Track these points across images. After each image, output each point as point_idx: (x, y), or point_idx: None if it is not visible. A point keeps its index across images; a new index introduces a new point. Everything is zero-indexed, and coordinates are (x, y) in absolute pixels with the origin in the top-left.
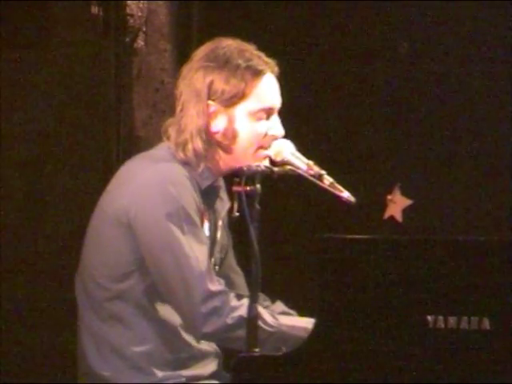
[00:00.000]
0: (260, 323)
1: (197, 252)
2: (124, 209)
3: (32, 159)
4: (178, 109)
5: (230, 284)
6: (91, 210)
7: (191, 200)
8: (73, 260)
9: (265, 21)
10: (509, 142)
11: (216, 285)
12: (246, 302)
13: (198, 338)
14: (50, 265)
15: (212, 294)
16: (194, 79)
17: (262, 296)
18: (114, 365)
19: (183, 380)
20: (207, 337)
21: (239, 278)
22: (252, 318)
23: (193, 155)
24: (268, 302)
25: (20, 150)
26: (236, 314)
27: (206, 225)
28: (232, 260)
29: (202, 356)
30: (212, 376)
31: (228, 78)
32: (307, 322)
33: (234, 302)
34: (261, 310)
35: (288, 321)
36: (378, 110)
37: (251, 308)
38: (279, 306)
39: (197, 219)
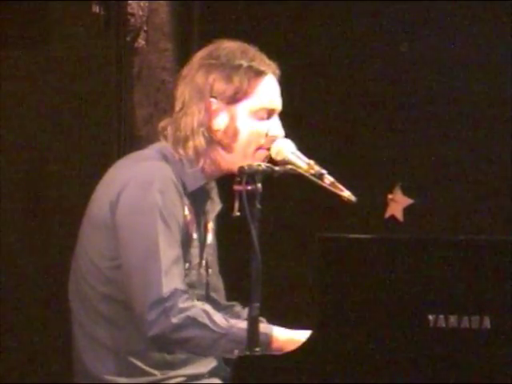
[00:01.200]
0: (209, 324)
1: (162, 255)
2: (109, 208)
3: (32, 158)
4: (177, 108)
5: (206, 287)
6: None
7: (169, 202)
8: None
9: (265, 20)
10: (509, 141)
11: (170, 289)
12: (199, 303)
13: (147, 341)
14: (50, 265)
15: (162, 299)
16: (196, 77)
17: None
18: (110, 365)
19: (183, 380)
20: (155, 340)
21: (219, 283)
22: (253, 318)
23: (193, 152)
24: (238, 307)
25: (20, 149)
26: (183, 314)
27: (194, 227)
28: (216, 265)
29: None
30: (212, 371)
31: (230, 76)
32: (264, 328)
33: (183, 304)
34: (211, 311)
35: (242, 324)
36: (378, 109)
37: (252, 308)
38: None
39: (172, 223)
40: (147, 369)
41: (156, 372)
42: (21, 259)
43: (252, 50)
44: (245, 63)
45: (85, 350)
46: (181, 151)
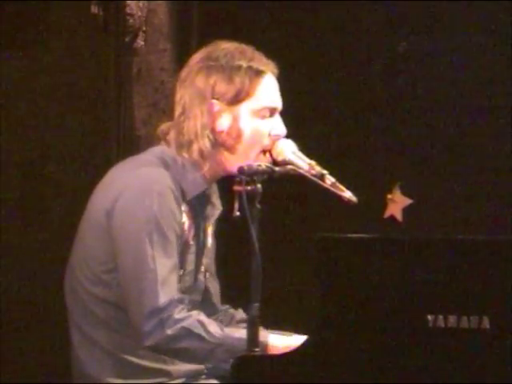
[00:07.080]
0: (204, 335)
1: (158, 265)
2: (105, 212)
3: (32, 159)
4: (178, 112)
5: (206, 292)
6: None
7: (167, 210)
8: None
9: (264, 20)
10: (509, 140)
11: (166, 299)
12: (194, 313)
13: (142, 349)
14: (49, 265)
15: (158, 310)
16: (196, 80)
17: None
18: (107, 366)
19: (182, 380)
20: (151, 349)
21: (215, 286)
22: (253, 318)
23: (198, 155)
24: (231, 310)
25: (20, 150)
26: (178, 325)
27: (191, 234)
28: (213, 267)
29: None
30: (211, 371)
31: (231, 77)
32: (261, 336)
33: (179, 315)
34: (207, 320)
35: (237, 333)
36: (377, 109)
37: (252, 308)
38: (240, 313)
39: (169, 232)
40: (145, 367)
41: (154, 370)
42: (19, 259)
43: (249, 50)
44: (244, 64)
45: (82, 351)
46: (185, 155)
